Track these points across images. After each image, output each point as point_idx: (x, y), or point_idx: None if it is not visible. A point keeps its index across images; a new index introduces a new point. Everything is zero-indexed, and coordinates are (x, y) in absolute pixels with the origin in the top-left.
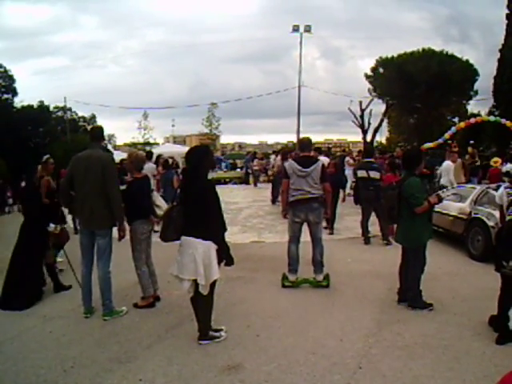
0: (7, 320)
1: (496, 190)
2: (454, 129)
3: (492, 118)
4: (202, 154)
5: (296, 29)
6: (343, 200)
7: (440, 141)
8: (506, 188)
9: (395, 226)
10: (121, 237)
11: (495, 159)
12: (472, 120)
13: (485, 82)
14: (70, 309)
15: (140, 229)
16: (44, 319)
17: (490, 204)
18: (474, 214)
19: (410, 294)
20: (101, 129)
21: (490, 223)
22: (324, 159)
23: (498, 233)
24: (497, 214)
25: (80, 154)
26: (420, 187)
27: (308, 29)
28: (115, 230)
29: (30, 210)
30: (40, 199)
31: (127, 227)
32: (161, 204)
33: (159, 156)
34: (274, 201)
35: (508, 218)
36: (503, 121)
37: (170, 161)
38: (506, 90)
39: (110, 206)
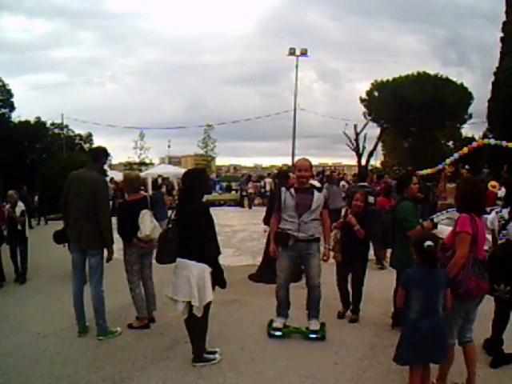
0: (1, 336)
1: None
2: (456, 155)
3: (492, 141)
4: (197, 177)
5: (292, 52)
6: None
7: (440, 166)
8: (496, 212)
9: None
10: (108, 258)
11: (493, 183)
12: (474, 144)
13: (480, 105)
14: (64, 327)
15: (127, 250)
16: (38, 336)
17: (485, 228)
18: None
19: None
20: (101, 150)
21: (484, 247)
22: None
23: (490, 257)
24: (490, 237)
25: (76, 172)
26: (412, 211)
27: (304, 52)
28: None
29: None
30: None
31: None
32: (142, 227)
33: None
34: None
35: (500, 241)
36: (504, 143)
37: (159, 181)
38: (500, 113)
39: (99, 228)
